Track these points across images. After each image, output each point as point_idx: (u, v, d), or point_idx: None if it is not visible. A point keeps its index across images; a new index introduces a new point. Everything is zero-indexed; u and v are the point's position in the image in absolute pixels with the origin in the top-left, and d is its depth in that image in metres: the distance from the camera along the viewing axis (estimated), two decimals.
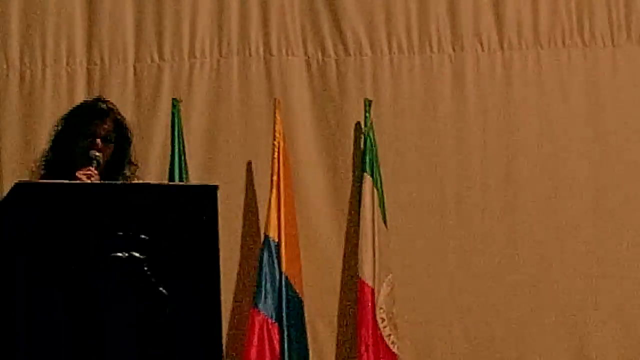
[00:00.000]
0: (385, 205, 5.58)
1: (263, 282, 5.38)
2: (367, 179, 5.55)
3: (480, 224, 5.65)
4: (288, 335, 5.35)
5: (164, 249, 3.46)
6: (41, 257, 3.36)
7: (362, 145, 5.64)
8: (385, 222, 5.57)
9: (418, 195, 5.66)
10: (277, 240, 5.43)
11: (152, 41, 5.75)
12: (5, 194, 3.52)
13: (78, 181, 3.87)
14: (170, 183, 5.27)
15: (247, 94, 5.73)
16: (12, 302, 3.36)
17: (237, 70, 5.75)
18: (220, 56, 5.76)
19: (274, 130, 5.53)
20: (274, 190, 5.46)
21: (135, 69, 5.75)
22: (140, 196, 3.57)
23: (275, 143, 5.51)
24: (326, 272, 5.61)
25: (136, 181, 4.14)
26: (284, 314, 5.36)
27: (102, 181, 3.95)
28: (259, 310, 5.36)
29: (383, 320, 5.45)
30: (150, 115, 5.69)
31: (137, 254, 3.43)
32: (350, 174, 5.69)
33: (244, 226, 5.65)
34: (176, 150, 5.50)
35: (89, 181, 3.90)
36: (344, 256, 5.64)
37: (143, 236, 3.45)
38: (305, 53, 5.78)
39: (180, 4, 5.76)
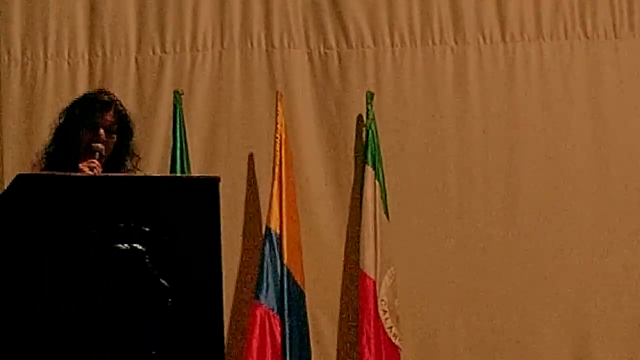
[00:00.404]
0: (387, 197, 5.58)
1: (264, 274, 5.39)
2: (369, 171, 5.54)
3: (482, 216, 5.65)
4: (289, 327, 5.35)
5: (166, 240, 3.46)
6: (43, 249, 3.36)
7: (364, 138, 5.64)
8: (387, 214, 5.57)
9: (420, 188, 5.66)
10: (278, 232, 5.43)
11: (154, 33, 5.75)
12: (7, 186, 3.52)
13: (80, 173, 3.87)
14: (172, 175, 5.27)
15: (249, 86, 5.73)
16: (14, 294, 3.37)
17: (239, 63, 5.75)
18: (222, 48, 5.75)
19: (276, 123, 5.53)
20: (276, 182, 5.47)
21: (137, 61, 5.75)
22: (142, 188, 3.57)
23: (277, 135, 5.51)
24: (328, 264, 5.61)
25: (138, 173, 4.13)
26: (285, 306, 5.36)
27: (104, 173, 3.95)
28: (260, 302, 5.36)
29: (385, 312, 5.45)
30: (152, 108, 5.69)
31: (138, 246, 3.43)
32: (352, 166, 5.69)
33: (245, 218, 5.65)
34: (178, 142, 5.51)
35: (91, 173, 3.89)
36: (346, 248, 5.64)
37: (145, 228, 3.45)
38: (307, 45, 5.77)
39: None
